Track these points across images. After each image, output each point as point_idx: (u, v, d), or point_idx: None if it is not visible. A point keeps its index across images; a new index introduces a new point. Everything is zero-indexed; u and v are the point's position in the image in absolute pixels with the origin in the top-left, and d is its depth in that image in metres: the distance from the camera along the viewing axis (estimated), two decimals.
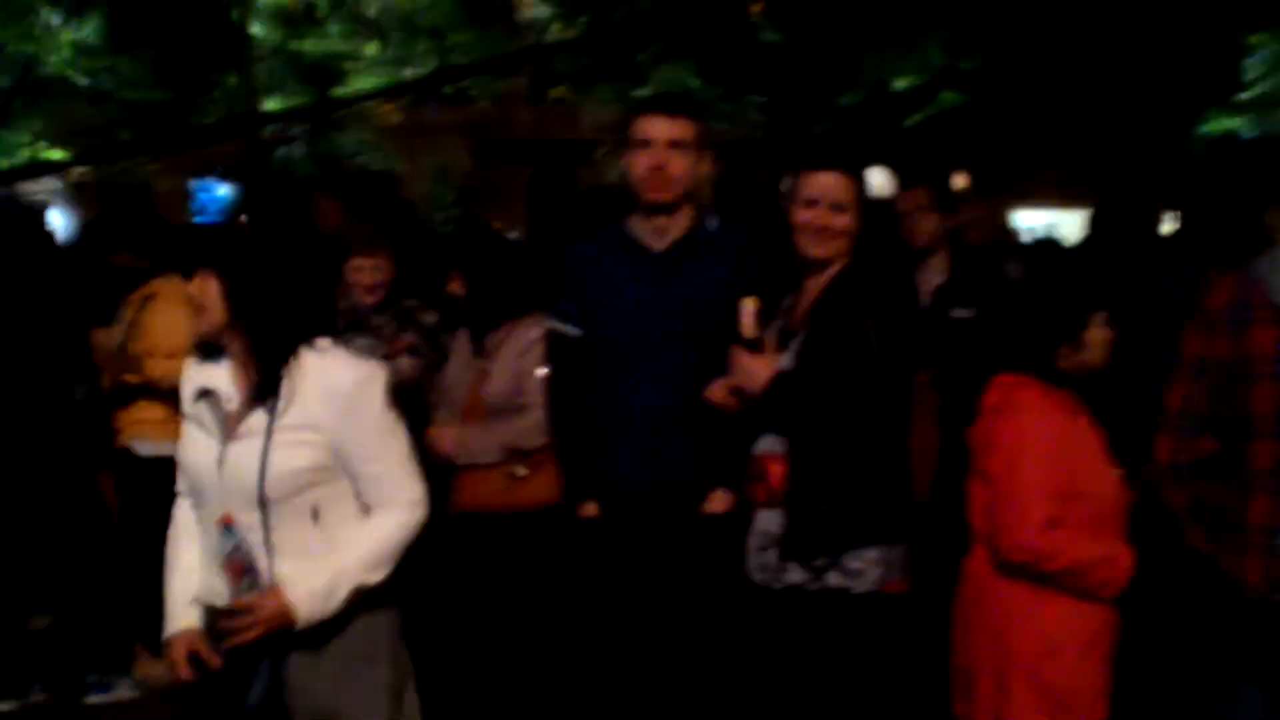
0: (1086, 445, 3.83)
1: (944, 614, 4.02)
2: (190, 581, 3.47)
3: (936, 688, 4.05)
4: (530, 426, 4.64)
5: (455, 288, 5.00)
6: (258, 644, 3.30)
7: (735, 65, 22.74)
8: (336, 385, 3.30)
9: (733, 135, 25.77)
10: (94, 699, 6.10)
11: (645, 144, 4.26)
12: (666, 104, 4.39)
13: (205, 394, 3.40)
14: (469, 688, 4.80)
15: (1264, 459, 3.63)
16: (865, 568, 3.82)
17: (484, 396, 4.89)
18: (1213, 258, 5.22)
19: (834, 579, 3.84)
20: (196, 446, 3.42)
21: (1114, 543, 3.79)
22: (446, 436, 4.82)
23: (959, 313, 5.14)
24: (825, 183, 3.97)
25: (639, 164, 4.26)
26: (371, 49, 18.62)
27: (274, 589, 3.28)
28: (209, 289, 3.32)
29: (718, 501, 4.26)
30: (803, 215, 3.95)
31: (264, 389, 3.30)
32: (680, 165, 4.25)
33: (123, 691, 6.19)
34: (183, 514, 3.56)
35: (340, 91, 17.65)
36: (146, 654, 6.17)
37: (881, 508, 3.87)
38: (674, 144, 4.25)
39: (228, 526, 3.33)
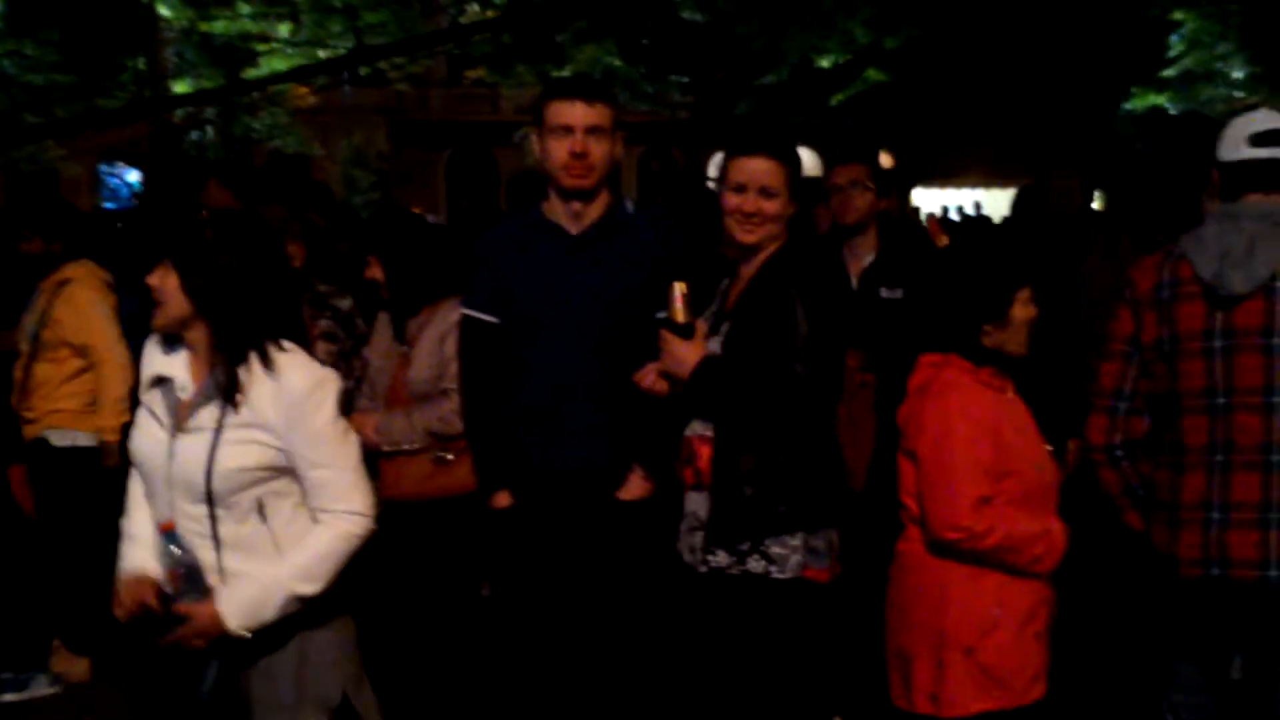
0: (1014, 422, 3.82)
1: (881, 597, 4.00)
2: (148, 543, 3.42)
3: (876, 670, 4.01)
4: (454, 411, 4.59)
5: (374, 272, 4.91)
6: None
7: (657, 45, 22.76)
8: (289, 387, 3.24)
9: (656, 116, 25.84)
10: (9, 697, 5.96)
11: (565, 130, 4.19)
12: (584, 89, 4.29)
13: (161, 381, 3.35)
14: (400, 678, 4.73)
15: (1196, 435, 3.64)
16: (787, 554, 3.78)
17: (406, 382, 4.80)
18: (1140, 237, 5.24)
19: (755, 564, 3.80)
20: (146, 435, 3.36)
21: (1046, 519, 3.79)
22: (369, 423, 4.75)
23: (888, 293, 5.11)
24: (754, 167, 3.90)
25: (558, 151, 4.20)
26: (284, 30, 18.47)
27: (206, 603, 3.23)
28: (169, 281, 3.25)
29: (634, 486, 4.22)
30: (732, 200, 3.90)
31: (219, 384, 3.25)
32: (599, 151, 4.20)
33: (39, 688, 6.01)
34: (134, 487, 3.51)
35: (252, 73, 17.48)
36: (64, 649, 6.04)
37: (806, 494, 3.83)
38: (593, 130, 4.19)
39: (168, 533, 3.28)
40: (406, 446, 4.71)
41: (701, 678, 4.00)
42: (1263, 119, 3.76)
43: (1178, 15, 21.30)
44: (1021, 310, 3.80)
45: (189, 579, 3.26)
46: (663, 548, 4.05)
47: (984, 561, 3.69)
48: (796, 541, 3.77)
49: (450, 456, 4.67)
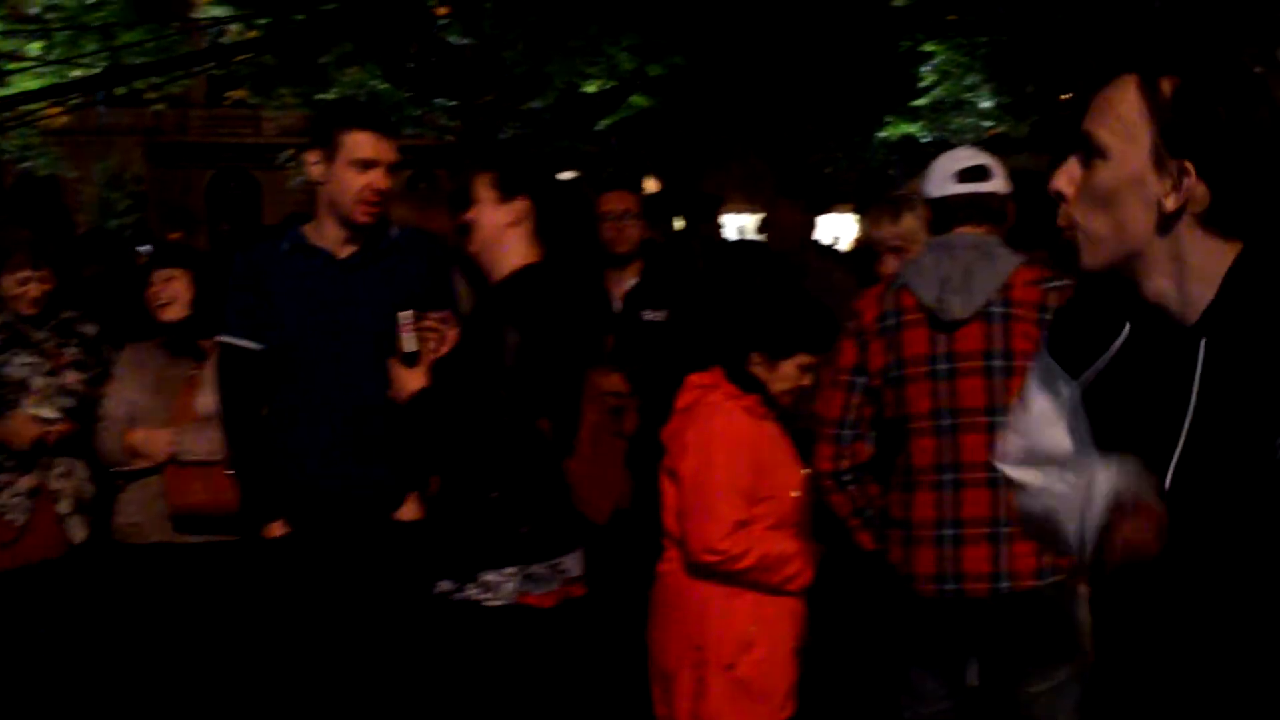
0: (774, 447, 3.93)
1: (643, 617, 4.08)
2: None
3: (641, 690, 4.09)
4: None
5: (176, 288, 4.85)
6: None
7: (423, 69, 22.64)
8: None
9: (422, 140, 25.66)
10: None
11: (367, 164, 4.15)
12: (385, 123, 4.28)
13: None
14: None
15: (924, 456, 3.78)
16: (501, 581, 3.80)
17: (195, 407, 4.77)
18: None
19: (471, 590, 3.83)
20: None
21: (800, 540, 3.92)
22: (159, 438, 4.69)
23: (651, 315, 5.18)
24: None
25: (356, 184, 4.14)
26: (35, 48, 17.82)
27: None
28: None
29: (408, 509, 4.21)
30: None
31: None
32: (390, 185, 4.22)
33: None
34: None
35: (2, 93, 16.77)
36: None
37: (524, 521, 3.84)
38: (392, 166, 4.21)
39: None
40: (205, 458, 4.64)
41: (440, 702, 4.06)
42: (966, 156, 3.97)
43: (929, 47, 22.00)
44: (794, 369, 3.93)
45: None
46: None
47: (741, 582, 3.81)
48: (511, 570, 3.79)
49: None
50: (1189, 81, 1.91)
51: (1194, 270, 1.95)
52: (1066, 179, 2.01)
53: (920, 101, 23.22)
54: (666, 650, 3.95)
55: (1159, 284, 1.98)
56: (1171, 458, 1.95)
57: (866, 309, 3.88)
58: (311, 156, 4.20)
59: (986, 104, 23.00)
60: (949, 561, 3.70)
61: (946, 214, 3.86)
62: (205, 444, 4.61)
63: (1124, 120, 1.94)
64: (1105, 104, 1.97)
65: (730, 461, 3.79)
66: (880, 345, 3.82)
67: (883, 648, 4.19)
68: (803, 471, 4.00)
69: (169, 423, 4.81)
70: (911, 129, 24.07)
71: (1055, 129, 26.44)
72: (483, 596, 3.82)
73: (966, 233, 3.80)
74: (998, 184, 3.86)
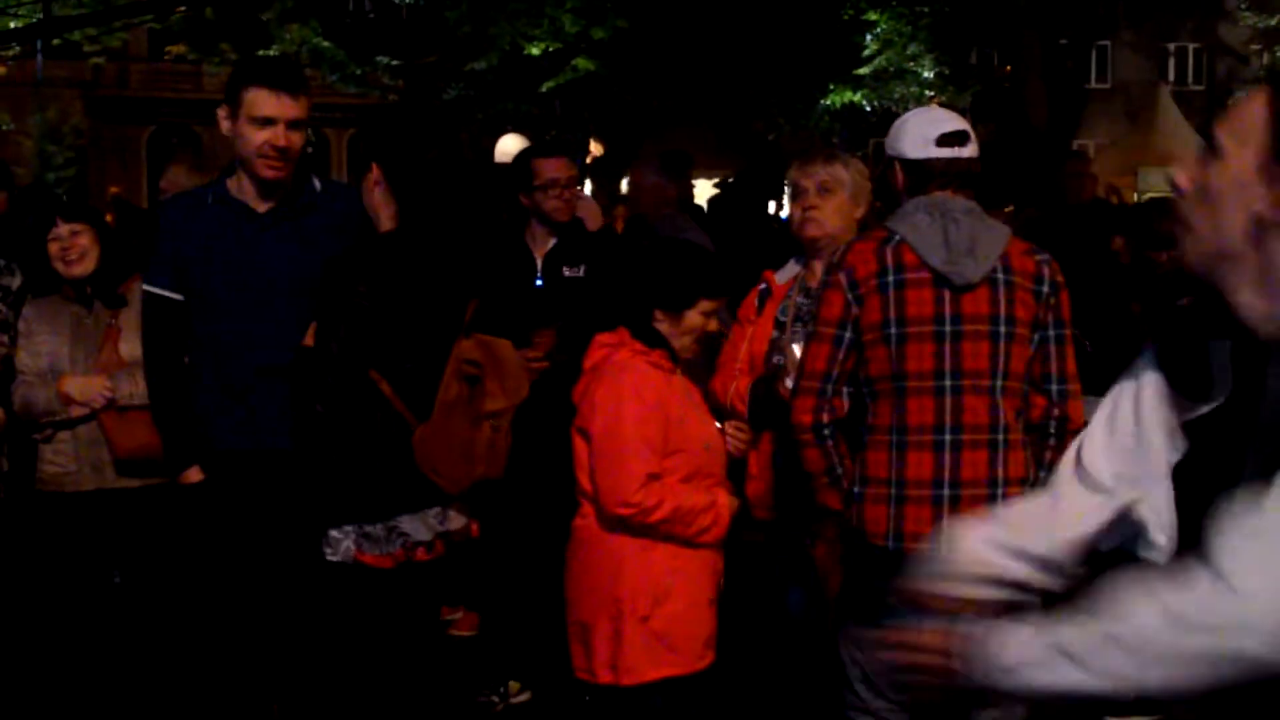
0: (684, 400, 3.98)
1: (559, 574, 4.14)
2: None
3: (560, 644, 4.15)
4: None
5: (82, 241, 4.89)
6: None
7: (367, 27, 22.51)
8: None
9: (366, 98, 25.51)
10: None
11: (266, 122, 4.17)
12: (287, 79, 4.26)
13: None
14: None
15: (922, 415, 3.76)
16: (340, 538, 4.03)
17: (121, 353, 4.84)
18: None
19: (326, 550, 4.07)
20: None
21: (713, 492, 3.96)
22: (94, 384, 4.75)
23: (570, 271, 5.20)
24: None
25: (256, 140, 4.17)
26: None
27: None
28: None
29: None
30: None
31: None
32: (298, 142, 4.23)
33: None
34: None
35: None
36: None
37: (355, 486, 4.03)
38: (294, 123, 4.21)
39: None
40: (142, 402, 4.65)
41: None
42: (946, 119, 3.94)
43: (872, 16, 22.12)
44: (698, 317, 3.97)
45: None
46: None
47: (655, 534, 3.85)
48: (350, 528, 4.00)
49: None
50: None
51: None
52: (1186, 176, 2.03)
53: (863, 70, 23.41)
54: (583, 604, 3.99)
55: (1247, 296, 1.98)
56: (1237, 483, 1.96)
57: (861, 263, 3.80)
58: (221, 113, 4.25)
59: (928, 73, 23.19)
60: (945, 521, 3.60)
61: (924, 176, 3.83)
62: (141, 387, 4.64)
63: (1244, 124, 1.97)
64: (1235, 109, 2.01)
65: (640, 415, 3.83)
66: (878, 301, 3.76)
67: (825, 607, 4.24)
68: (714, 425, 4.06)
69: (97, 371, 4.84)
70: (854, 97, 24.23)
71: (996, 99, 26.62)
72: (326, 551, 4.05)
73: (949, 196, 3.80)
74: (973, 149, 3.87)
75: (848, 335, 3.80)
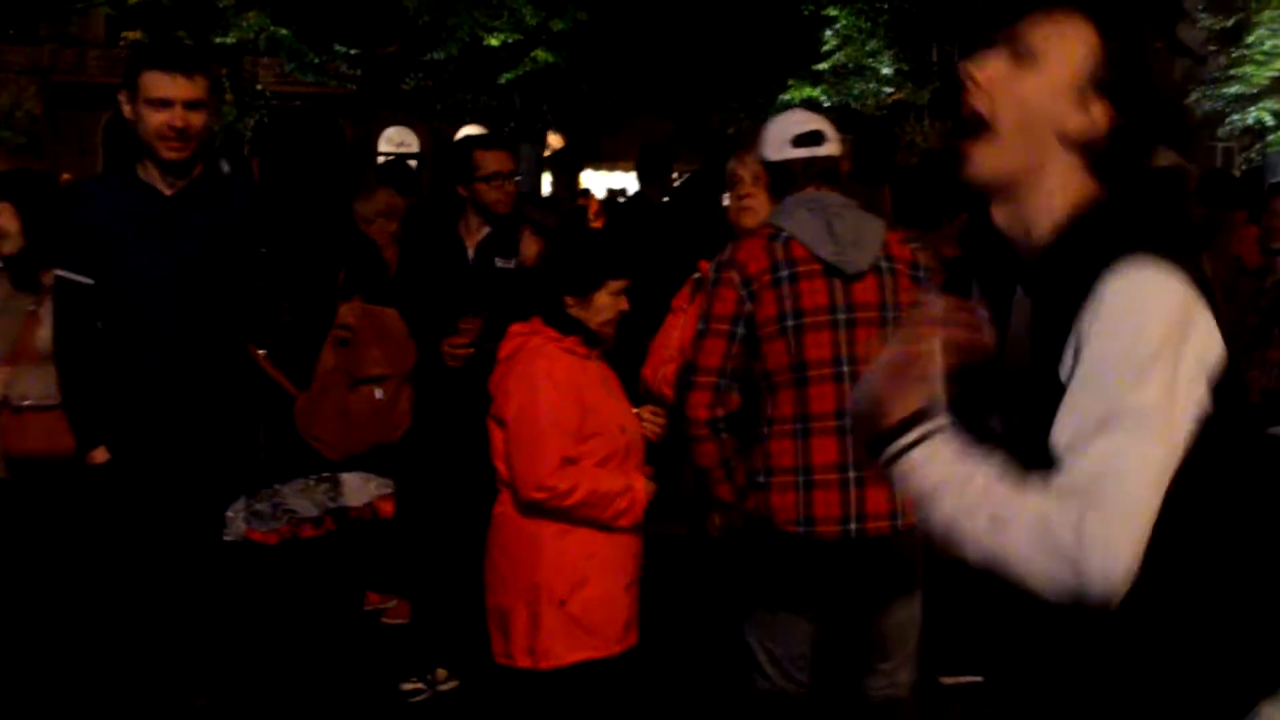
0: (599, 385, 4.03)
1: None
2: None
3: (481, 630, 4.19)
4: None
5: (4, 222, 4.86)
6: None
7: (324, 16, 22.44)
8: None
9: (323, 87, 25.43)
10: None
11: (162, 103, 4.21)
12: (182, 60, 4.30)
13: None
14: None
15: (824, 402, 3.87)
16: (232, 517, 4.18)
17: (36, 343, 4.80)
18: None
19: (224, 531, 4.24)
20: None
21: (629, 476, 4.01)
22: None
23: (502, 263, 5.25)
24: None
25: (154, 122, 4.21)
26: None
27: None
28: None
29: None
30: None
31: None
32: (198, 123, 4.25)
33: None
34: None
35: None
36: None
37: (242, 464, 4.16)
38: (192, 104, 4.24)
39: None
40: (41, 402, 4.67)
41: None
42: (801, 120, 4.09)
43: (832, 11, 22.22)
44: (607, 298, 4.02)
45: None
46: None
47: (571, 518, 3.90)
48: (240, 504, 4.15)
49: None
50: (1128, 33, 1.98)
51: (1059, 206, 1.98)
52: (982, 71, 2.01)
53: (822, 66, 23.50)
54: (502, 589, 4.04)
55: (1015, 214, 2.01)
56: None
57: (752, 260, 3.91)
58: (122, 97, 4.29)
59: (887, 70, 23.28)
60: (854, 504, 3.82)
61: (786, 177, 4.00)
62: (41, 387, 4.65)
63: (1065, 39, 1.97)
64: (1049, 19, 1.99)
65: (554, 400, 3.88)
66: (772, 296, 3.87)
67: (730, 590, 4.33)
68: (631, 410, 4.12)
69: (10, 359, 4.83)
70: (814, 92, 24.31)
71: (956, 97, 26.62)
72: (225, 531, 4.17)
73: (824, 193, 3.94)
74: (832, 147, 4.01)
75: (740, 331, 3.91)
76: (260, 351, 4.02)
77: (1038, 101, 1.98)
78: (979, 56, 2.03)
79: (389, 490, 4.85)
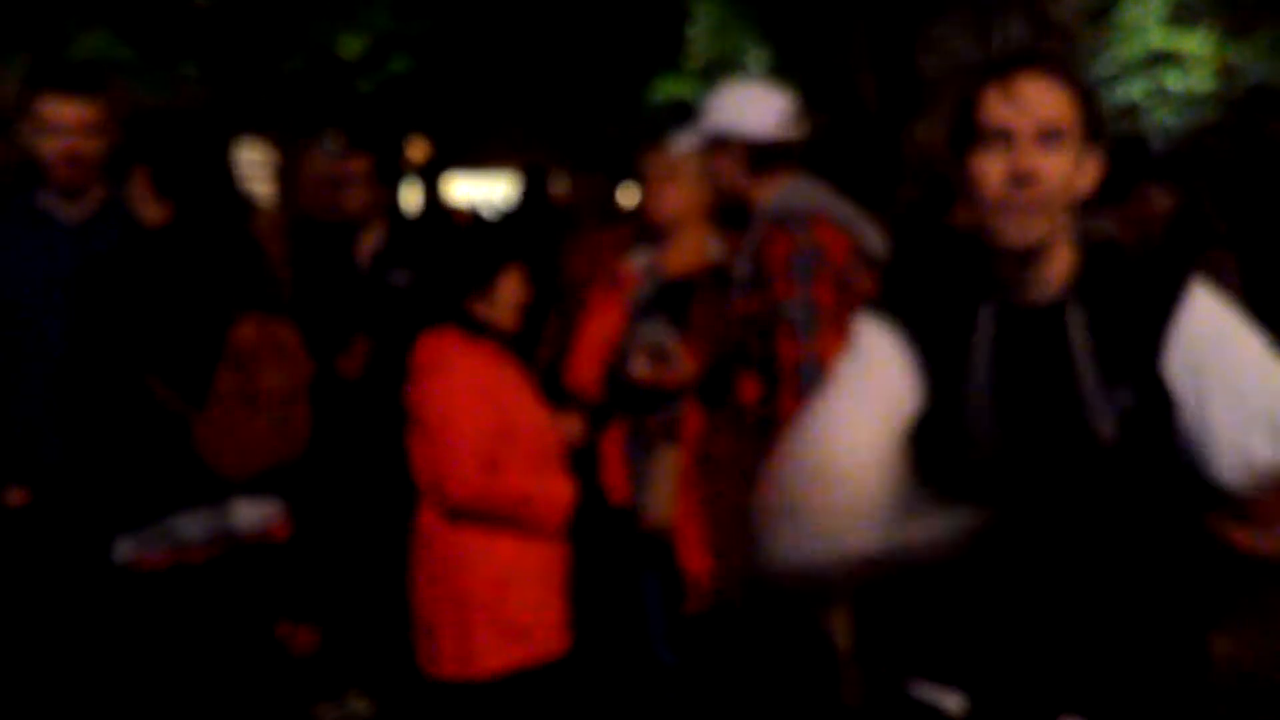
0: (515, 390, 4.14)
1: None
2: None
3: (406, 644, 4.27)
4: None
5: None
6: None
7: (166, 31, 22.11)
8: None
9: (174, 103, 25.02)
10: None
11: (56, 128, 4.21)
12: (77, 83, 4.29)
13: None
14: None
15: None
16: (122, 543, 4.08)
17: None
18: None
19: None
20: None
21: (552, 478, 4.13)
22: None
23: (396, 278, 5.30)
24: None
25: (48, 148, 4.22)
26: None
27: None
28: None
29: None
30: None
31: None
32: (93, 148, 4.26)
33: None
34: None
35: None
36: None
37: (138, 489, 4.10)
38: (87, 128, 4.25)
39: None
40: None
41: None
42: (779, 97, 4.12)
43: (699, 8, 22.30)
44: (509, 285, 4.12)
45: None
46: None
47: (495, 522, 3.99)
48: (128, 532, 4.07)
49: None
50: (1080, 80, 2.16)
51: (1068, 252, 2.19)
52: (1049, 167, 2.12)
53: (691, 63, 23.58)
54: (429, 599, 4.10)
55: (1055, 266, 2.18)
56: None
57: (835, 247, 3.93)
58: (20, 124, 4.27)
59: (756, 64, 23.47)
60: None
61: (782, 155, 4.06)
62: None
63: (1067, 106, 2.12)
64: (1038, 93, 2.12)
65: (472, 405, 3.95)
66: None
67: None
68: (547, 412, 4.22)
69: None
70: (682, 90, 24.37)
71: (827, 90, 26.95)
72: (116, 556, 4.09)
73: (806, 176, 4.08)
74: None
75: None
76: (153, 378, 4.02)
77: None
78: None
79: (280, 512, 4.88)
